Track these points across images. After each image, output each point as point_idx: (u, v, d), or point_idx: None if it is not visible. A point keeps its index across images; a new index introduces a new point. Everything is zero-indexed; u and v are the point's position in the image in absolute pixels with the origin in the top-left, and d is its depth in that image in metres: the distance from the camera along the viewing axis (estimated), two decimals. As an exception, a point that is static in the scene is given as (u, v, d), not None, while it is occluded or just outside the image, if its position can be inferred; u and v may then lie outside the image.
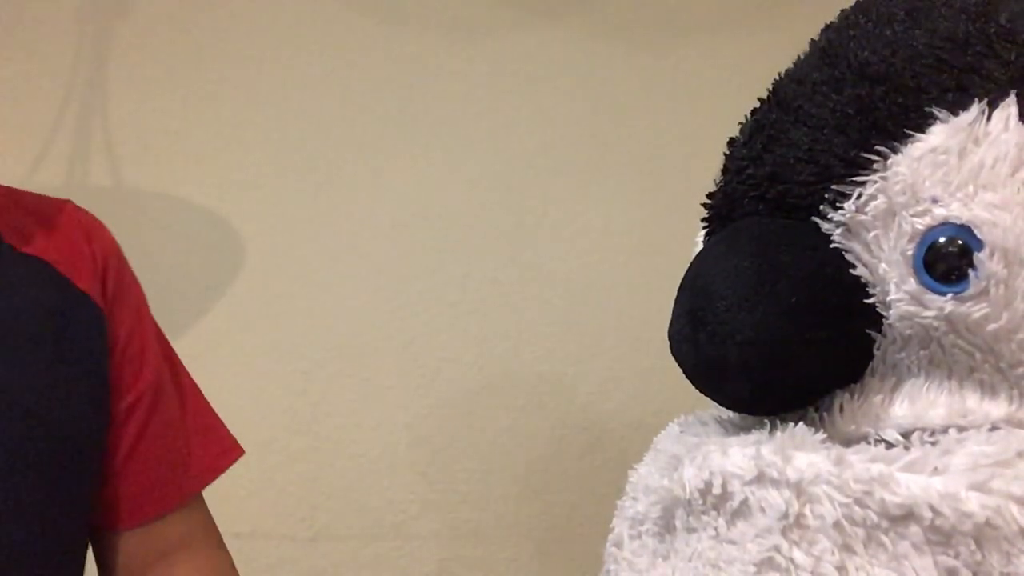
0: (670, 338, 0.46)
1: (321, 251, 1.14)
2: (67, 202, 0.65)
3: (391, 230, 1.15)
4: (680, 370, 0.46)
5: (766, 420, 0.45)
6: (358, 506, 1.11)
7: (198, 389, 0.70)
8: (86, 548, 0.63)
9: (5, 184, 0.64)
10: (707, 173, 0.50)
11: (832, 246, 0.42)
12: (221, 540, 0.69)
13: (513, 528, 1.13)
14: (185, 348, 0.69)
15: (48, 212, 0.63)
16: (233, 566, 0.69)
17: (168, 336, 0.71)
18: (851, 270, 0.42)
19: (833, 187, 0.42)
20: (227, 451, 0.69)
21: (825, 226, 0.43)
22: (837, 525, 0.37)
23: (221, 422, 0.70)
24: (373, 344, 1.13)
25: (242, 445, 0.70)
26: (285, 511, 1.09)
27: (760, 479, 0.40)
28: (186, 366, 0.71)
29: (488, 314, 1.15)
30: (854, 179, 0.42)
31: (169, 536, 0.65)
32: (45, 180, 1.09)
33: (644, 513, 0.48)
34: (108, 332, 0.61)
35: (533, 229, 1.17)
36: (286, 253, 1.13)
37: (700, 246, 0.49)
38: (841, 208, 0.42)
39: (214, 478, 0.67)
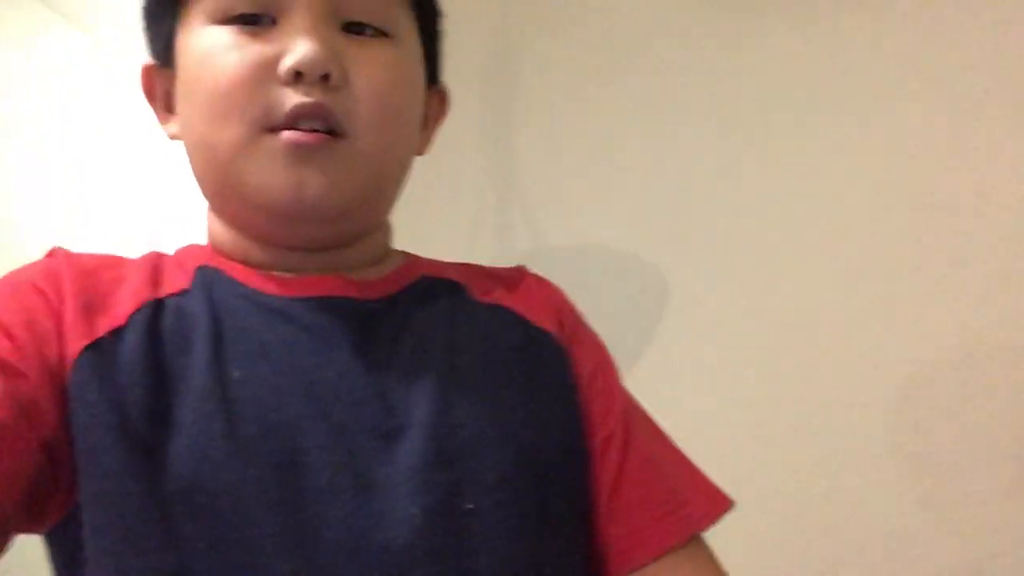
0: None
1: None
2: (521, 267, 0.70)
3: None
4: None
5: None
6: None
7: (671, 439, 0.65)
8: None
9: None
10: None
11: None
12: None
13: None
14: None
15: (506, 275, 0.69)
16: None
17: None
18: None
19: None
20: (720, 498, 0.61)
21: None
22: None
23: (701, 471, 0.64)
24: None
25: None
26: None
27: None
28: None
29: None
30: None
31: None
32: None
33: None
34: (572, 367, 0.62)
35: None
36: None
37: None
38: None
39: (710, 523, 0.59)
